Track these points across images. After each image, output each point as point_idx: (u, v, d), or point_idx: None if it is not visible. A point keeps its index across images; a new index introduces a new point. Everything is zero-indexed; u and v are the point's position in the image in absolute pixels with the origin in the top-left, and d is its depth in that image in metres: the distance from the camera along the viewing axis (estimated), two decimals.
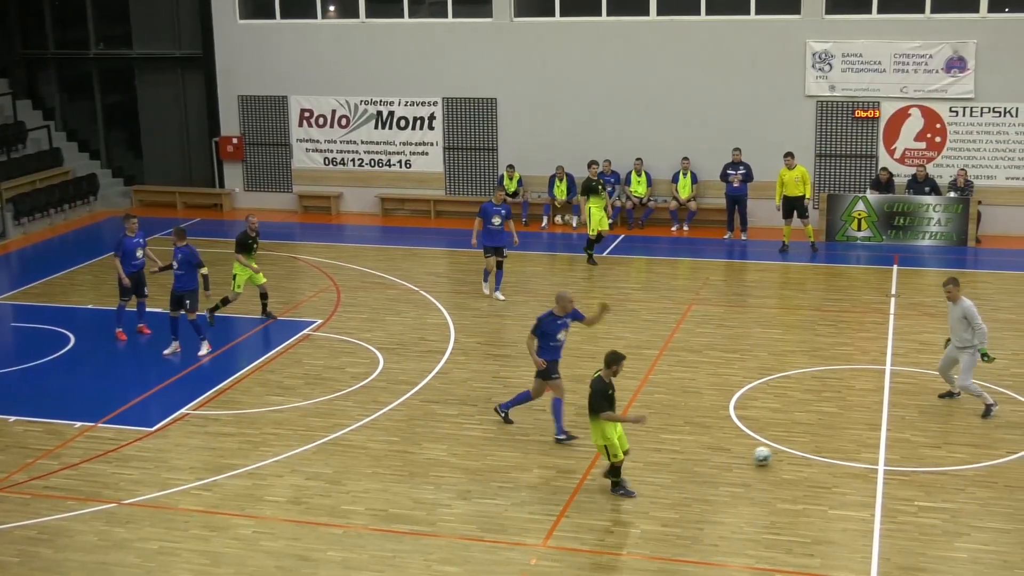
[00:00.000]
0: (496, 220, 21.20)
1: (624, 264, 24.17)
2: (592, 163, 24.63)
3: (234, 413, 16.50)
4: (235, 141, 29.79)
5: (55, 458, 15.13)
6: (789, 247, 24.47)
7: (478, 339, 19.44)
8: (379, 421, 16.09)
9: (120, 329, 19.70)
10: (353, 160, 29.31)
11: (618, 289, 22.19)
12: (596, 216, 23.47)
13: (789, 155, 24.44)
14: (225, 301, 20.18)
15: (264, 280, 20.38)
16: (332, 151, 29.39)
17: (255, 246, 20.30)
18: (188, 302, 18.66)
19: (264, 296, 20.43)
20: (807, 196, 24.37)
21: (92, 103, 32.26)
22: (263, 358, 18.68)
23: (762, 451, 14.44)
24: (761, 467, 14.29)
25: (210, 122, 30.30)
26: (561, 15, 27.44)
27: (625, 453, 13.70)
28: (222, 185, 30.38)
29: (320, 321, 20.47)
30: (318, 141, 29.43)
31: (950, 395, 16.18)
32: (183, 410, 16.64)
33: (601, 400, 13.47)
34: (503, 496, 13.79)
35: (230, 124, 29.89)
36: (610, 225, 26.69)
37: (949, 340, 16.02)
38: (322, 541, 12.84)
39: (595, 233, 23.58)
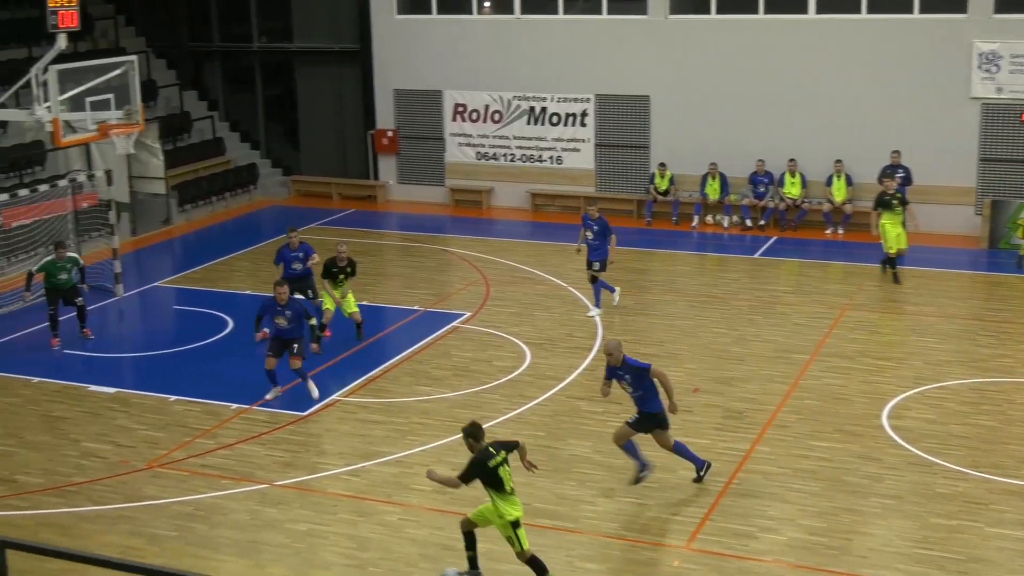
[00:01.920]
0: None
1: (775, 266, 23.83)
2: (886, 174, 23.41)
3: (383, 401, 16.77)
4: (390, 134, 30.25)
5: (212, 438, 15.59)
6: None
7: (625, 337, 19.29)
8: (524, 415, 16.17)
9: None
10: (505, 155, 29.49)
11: (768, 291, 21.89)
12: (892, 232, 22.08)
13: None
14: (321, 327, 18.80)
15: (356, 309, 19.05)
16: (484, 146, 29.61)
17: (341, 276, 18.82)
18: (296, 346, 16.82)
19: (359, 326, 19.14)
20: None
21: (253, 95, 33.16)
22: (412, 348, 18.92)
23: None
24: None
25: (366, 115, 30.82)
26: (717, 13, 27.15)
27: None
28: (376, 177, 30.88)
29: (469, 314, 20.66)
30: (471, 135, 29.69)
31: None
32: (334, 396, 16.98)
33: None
34: (647, 496, 13.71)
35: (385, 117, 30.37)
36: (760, 227, 26.42)
37: None
38: None
39: (894, 251, 22.13)
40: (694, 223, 27.00)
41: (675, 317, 20.51)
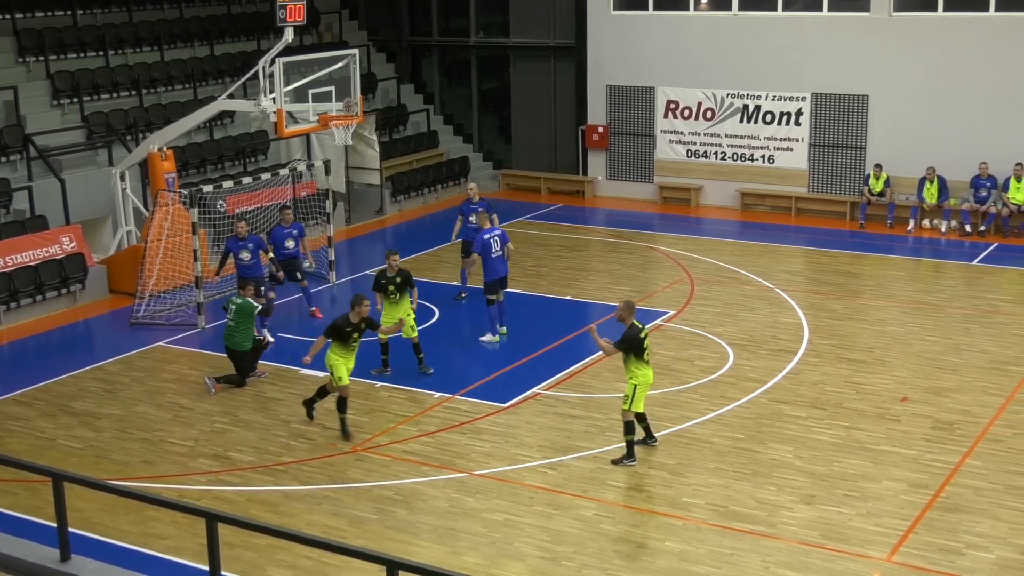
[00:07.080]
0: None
1: (995, 274, 22.86)
2: None
3: (583, 396, 16.83)
4: (600, 130, 30.30)
5: (414, 425, 15.96)
6: None
7: (832, 341, 18.93)
8: (725, 417, 15.98)
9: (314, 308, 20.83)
10: (716, 153, 29.17)
11: (986, 300, 21.03)
12: None
13: None
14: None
15: (415, 334, 17.74)
16: (695, 143, 29.35)
17: (391, 287, 17.60)
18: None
19: (417, 349, 17.75)
20: None
21: (469, 89, 33.74)
22: None
23: None
24: None
25: (578, 111, 30.97)
26: (944, 10, 26.18)
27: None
28: (585, 173, 30.99)
29: (672, 312, 20.54)
30: (682, 133, 29.47)
31: None
32: (535, 389, 17.14)
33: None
34: (848, 505, 13.39)
35: (597, 113, 30.44)
36: (980, 233, 25.37)
37: None
38: (661, 531, 12.92)
39: None
40: (910, 227, 26.13)
41: (886, 323, 19.92)
